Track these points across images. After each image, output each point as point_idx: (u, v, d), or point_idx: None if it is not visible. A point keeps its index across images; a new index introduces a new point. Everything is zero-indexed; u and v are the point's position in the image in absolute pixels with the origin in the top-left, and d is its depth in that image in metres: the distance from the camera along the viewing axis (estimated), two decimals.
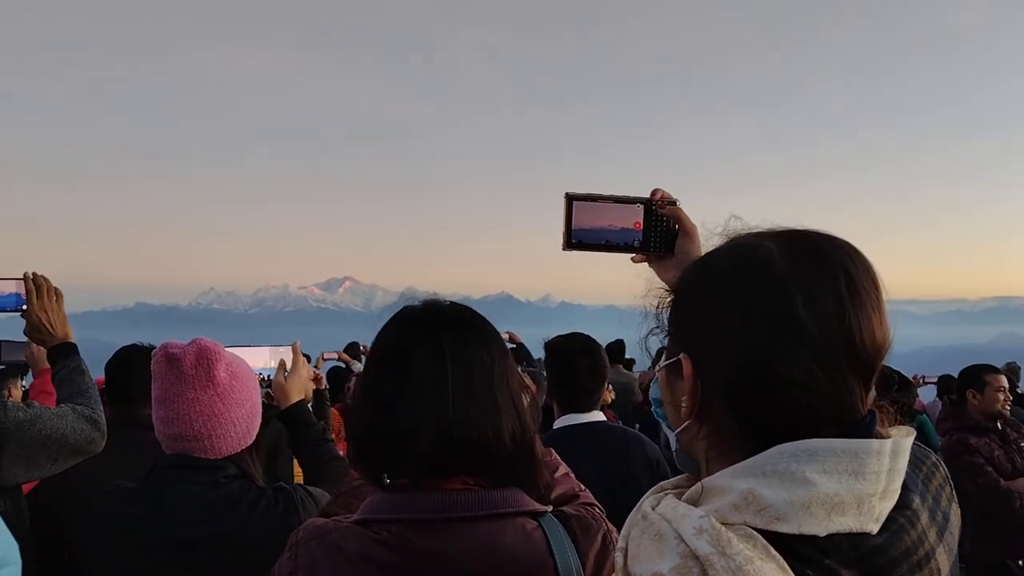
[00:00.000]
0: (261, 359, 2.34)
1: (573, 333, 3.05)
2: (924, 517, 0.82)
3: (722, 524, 0.72)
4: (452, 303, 1.32)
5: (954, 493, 0.92)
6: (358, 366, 7.73)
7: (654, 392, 1.01)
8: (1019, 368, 8.48)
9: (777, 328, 0.77)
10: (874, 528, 0.75)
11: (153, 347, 3.09)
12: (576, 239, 1.32)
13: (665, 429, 0.97)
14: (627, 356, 8.83)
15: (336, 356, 7.96)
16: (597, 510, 1.38)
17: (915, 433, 0.84)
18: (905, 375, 7.11)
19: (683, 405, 0.84)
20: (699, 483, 0.79)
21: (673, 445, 0.93)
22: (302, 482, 2.16)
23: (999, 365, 8.27)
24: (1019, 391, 8.01)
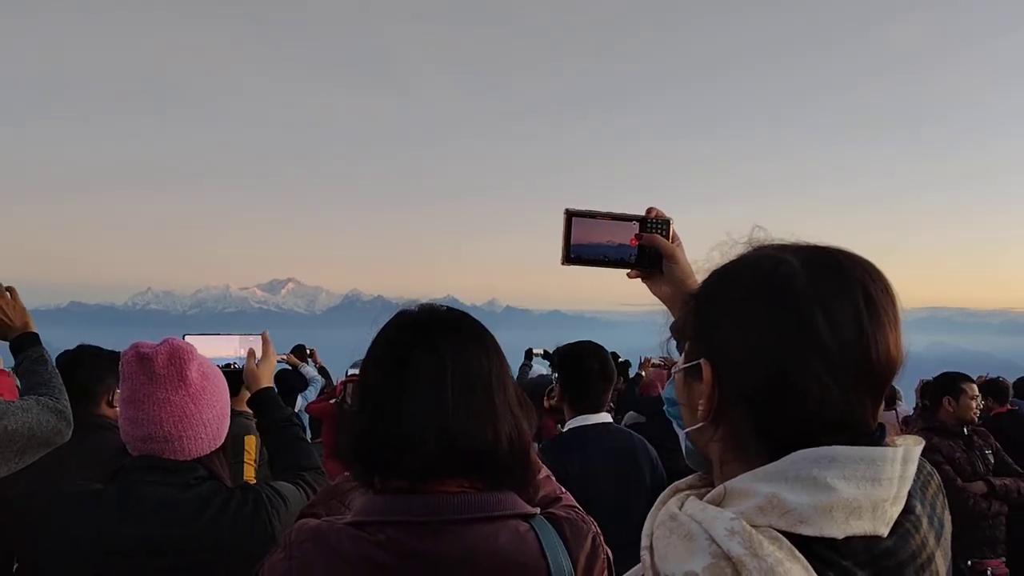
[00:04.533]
0: (231, 348, 2.33)
1: (582, 340, 3.25)
2: (924, 522, 0.85)
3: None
4: (449, 308, 1.32)
5: (946, 501, 0.95)
6: (307, 368, 7.66)
7: (668, 392, 1.02)
8: None
9: (797, 342, 0.79)
10: (884, 531, 0.78)
11: (100, 349, 3.04)
12: (575, 254, 1.34)
13: (676, 428, 0.99)
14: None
15: (284, 359, 7.86)
16: (582, 512, 1.40)
17: (923, 443, 0.87)
18: None
19: (700, 408, 0.86)
20: (721, 486, 0.81)
21: (683, 444, 0.95)
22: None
23: (931, 373, 8.58)
24: None
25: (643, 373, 8.07)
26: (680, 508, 0.81)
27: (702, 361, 0.86)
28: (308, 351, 8.58)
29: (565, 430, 3.07)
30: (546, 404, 6.35)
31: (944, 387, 4.62)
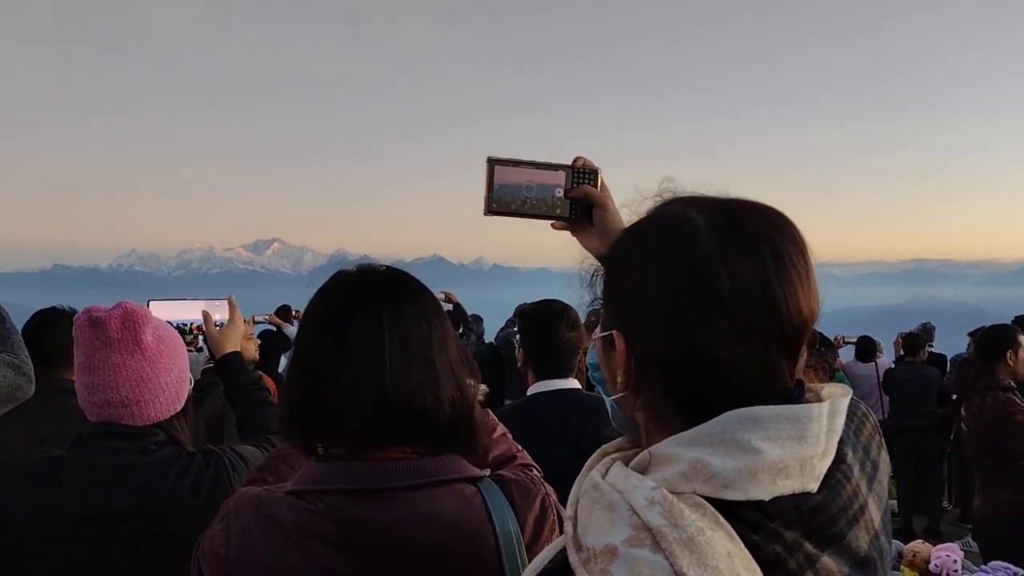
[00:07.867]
0: (196, 313, 2.30)
1: (550, 300, 2.94)
2: (856, 469, 0.84)
3: (672, 493, 0.72)
4: (388, 268, 1.30)
5: (883, 441, 0.94)
6: (290, 329, 7.65)
7: (591, 357, 1.01)
8: (933, 328, 8.83)
9: (702, 307, 0.77)
10: (814, 487, 0.77)
11: (74, 310, 2.98)
12: (497, 204, 1.30)
13: (601, 393, 0.98)
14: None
15: (267, 319, 7.84)
16: (535, 472, 1.39)
17: (851, 392, 0.86)
18: (827, 336, 7.33)
19: (618, 379, 0.84)
20: (646, 451, 0.79)
21: (610, 409, 0.94)
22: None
23: (915, 325, 8.61)
24: (933, 350, 8.37)
25: None
26: (604, 476, 0.79)
27: (614, 332, 0.84)
28: (293, 312, 8.55)
29: (526, 397, 2.82)
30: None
31: (1006, 341, 4.44)
